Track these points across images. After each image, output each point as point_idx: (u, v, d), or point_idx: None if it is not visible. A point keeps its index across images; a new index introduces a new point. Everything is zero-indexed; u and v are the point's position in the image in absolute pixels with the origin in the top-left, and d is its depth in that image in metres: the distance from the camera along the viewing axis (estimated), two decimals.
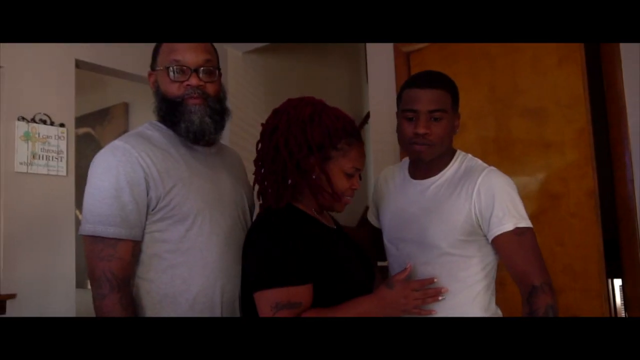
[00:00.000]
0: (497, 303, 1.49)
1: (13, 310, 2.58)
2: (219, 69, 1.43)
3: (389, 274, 1.54)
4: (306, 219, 1.35)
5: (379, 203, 1.63)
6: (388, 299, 1.24)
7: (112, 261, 1.25)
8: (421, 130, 1.38)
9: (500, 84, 2.58)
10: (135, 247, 1.29)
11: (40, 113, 2.79)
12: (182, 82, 1.35)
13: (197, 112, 1.35)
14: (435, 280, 1.29)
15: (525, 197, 2.41)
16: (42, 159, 2.77)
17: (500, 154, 2.54)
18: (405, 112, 1.41)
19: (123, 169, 1.27)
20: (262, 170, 1.37)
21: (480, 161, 1.47)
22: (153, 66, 1.43)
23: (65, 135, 2.87)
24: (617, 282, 2.84)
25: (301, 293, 1.23)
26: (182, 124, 1.36)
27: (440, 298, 1.30)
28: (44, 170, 2.77)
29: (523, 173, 2.48)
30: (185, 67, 1.35)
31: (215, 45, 1.46)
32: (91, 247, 1.27)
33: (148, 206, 1.30)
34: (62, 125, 2.87)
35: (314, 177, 1.32)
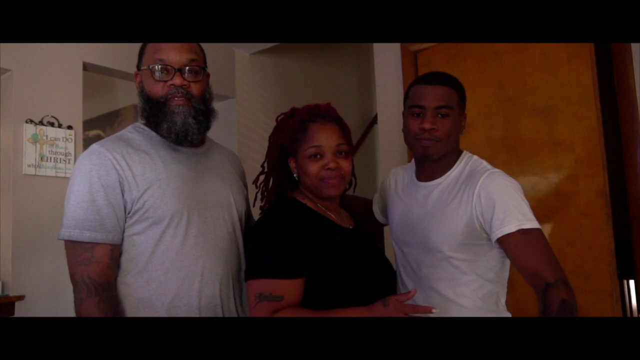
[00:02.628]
0: (507, 303, 1.45)
1: (21, 311, 2.60)
2: (205, 69, 1.40)
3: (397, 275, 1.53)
4: (308, 214, 1.35)
5: (386, 203, 1.62)
6: (376, 314, 1.20)
7: (90, 265, 1.25)
8: (427, 126, 1.37)
9: (509, 83, 2.54)
10: (113, 251, 1.28)
11: (48, 115, 2.81)
12: (166, 82, 1.33)
13: (180, 112, 1.33)
14: (433, 310, 1.19)
15: (534, 196, 2.41)
16: (50, 161, 2.79)
17: (510, 153, 2.51)
18: (412, 108, 1.41)
19: (97, 172, 1.27)
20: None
21: (484, 163, 1.44)
22: (139, 66, 1.41)
23: (73, 137, 2.88)
24: (633, 283, 2.79)
25: (285, 287, 1.23)
26: (165, 125, 1.33)
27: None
28: (51, 172, 2.79)
29: (532, 172, 2.44)
30: (169, 67, 1.33)
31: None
32: (70, 251, 1.27)
33: (125, 209, 1.29)
34: (69, 127, 2.88)
35: (295, 176, 1.39)
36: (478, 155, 2.53)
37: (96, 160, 1.28)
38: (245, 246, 1.39)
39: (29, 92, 2.77)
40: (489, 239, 1.34)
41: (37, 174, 2.74)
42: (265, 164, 1.45)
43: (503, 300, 1.44)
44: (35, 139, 2.74)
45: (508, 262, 1.41)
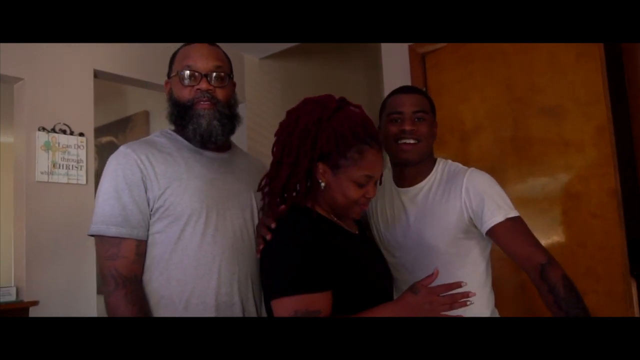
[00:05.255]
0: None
1: (36, 316, 2.62)
2: (231, 77, 1.47)
3: None
4: (324, 223, 1.30)
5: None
6: (413, 305, 1.17)
7: (117, 260, 1.31)
8: (408, 127, 1.49)
9: (517, 83, 2.53)
10: (139, 246, 1.33)
11: (60, 123, 2.85)
12: (193, 86, 1.40)
13: (205, 115, 1.39)
14: (462, 284, 1.18)
15: (544, 197, 2.40)
16: (63, 168, 2.83)
17: (519, 154, 2.49)
18: (391, 115, 1.54)
19: (122, 171, 1.33)
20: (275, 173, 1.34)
21: (460, 164, 1.56)
22: (169, 74, 1.49)
23: (84, 144, 2.92)
24: None
25: (320, 300, 1.18)
26: (190, 127, 1.40)
27: (468, 303, 1.21)
28: (64, 179, 2.83)
29: (542, 173, 2.42)
30: (196, 73, 1.40)
31: (232, 52, 1.50)
32: (98, 247, 1.34)
33: (148, 206, 1.34)
34: (81, 134, 2.92)
35: (322, 185, 1.28)
36: (488, 157, 2.55)
37: (122, 160, 1.35)
38: (262, 261, 1.32)
39: (41, 101, 2.81)
40: (478, 233, 1.46)
41: (49, 181, 2.78)
42: (291, 164, 1.28)
43: (492, 295, 1.53)
44: (47, 147, 2.78)
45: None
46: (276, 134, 1.35)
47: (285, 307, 1.18)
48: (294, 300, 1.17)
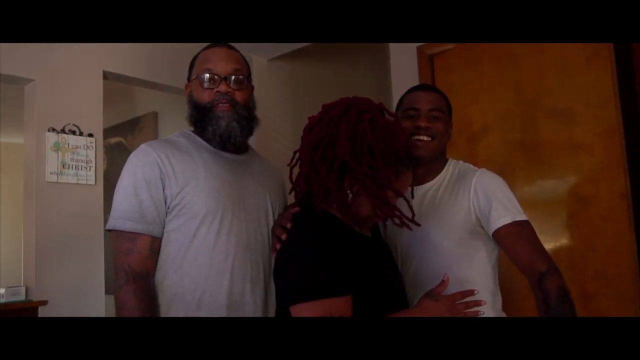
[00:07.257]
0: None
1: (44, 316, 2.64)
2: (249, 79, 1.50)
3: None
4: (341, 227, 1.27)
5: None
6: (434, 311, 1.20)
7: (131, 255, 1.33)
8: (423, 124, 1.48)
9: (527, 85, 2.52)
10: (153, 243, 1.36)
11: (69, 124, 2.87)
12: (213, 89, 1.44)
13: (224, 117, 1.42)
14: (475, 292, 1.26)
15: (554, 200, 2.39)
16: (72, 168, 2.85)
17: (528, 157, 2.48)
18: (407, 111, 1.52)
19: (141, 168, 1.36)
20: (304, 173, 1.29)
21: (471, 165, 1.56)
22: (189, 77, 1.52)
23: (94, 144, 2.94)
24: None
25: (342, 305, 1.15)
26: (210, 128, 1.43)
27: (480, 313, 1.25)
28: (73, 180, 2.84)
29: (551, 176, 2.41)
30: (216, 76, 1.43)
31: (241, 53, 1.53)
32: (114, 242, 1.36)
33: (165, 204, 1.37)
34: (90, 135, 2.94)
35: (350, 197, 1.24)
36: (496, 159, 2.54)
37: (142, 157, 1.38)
38: (278, 265, 1.28)
39: (51, 102, 2.83)
40: (485, 234, 1.45)
41: (59, 181, 2.80)
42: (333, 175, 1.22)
43: (499, 298, 1.50)
44: (57, 147, 2.80)
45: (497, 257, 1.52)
46: (318, 139, 1.25)
47: (307, 312, 1.15)
48: (316, 305, 1.14)
